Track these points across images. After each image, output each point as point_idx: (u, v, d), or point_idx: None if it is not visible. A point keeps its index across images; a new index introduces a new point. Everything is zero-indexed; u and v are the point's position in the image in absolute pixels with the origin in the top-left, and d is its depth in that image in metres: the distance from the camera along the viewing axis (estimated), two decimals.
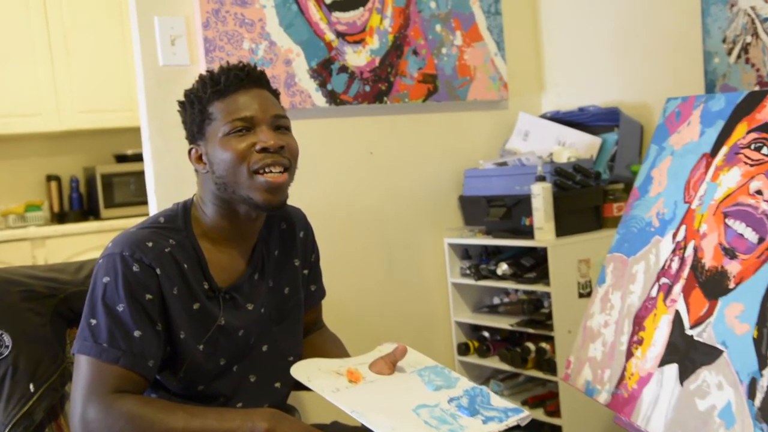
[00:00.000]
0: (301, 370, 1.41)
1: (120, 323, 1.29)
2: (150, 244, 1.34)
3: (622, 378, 1.70)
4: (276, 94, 1.45)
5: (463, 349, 2.70)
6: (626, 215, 1.91)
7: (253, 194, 1.36)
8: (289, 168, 1.39)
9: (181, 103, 1.45)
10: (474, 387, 1.40)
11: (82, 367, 1.28)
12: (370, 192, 2.60)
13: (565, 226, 2.45)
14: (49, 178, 4.39)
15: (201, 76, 1.43)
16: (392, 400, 1.32)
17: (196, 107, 1.41)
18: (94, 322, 1.29)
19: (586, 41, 2.82)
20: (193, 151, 1.43)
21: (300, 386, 1.43)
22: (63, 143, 4.48)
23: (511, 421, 1.31)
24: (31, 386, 1.44)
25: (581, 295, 2.41)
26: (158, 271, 1.33)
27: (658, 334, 1.65)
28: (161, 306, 1.33)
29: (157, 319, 1.32)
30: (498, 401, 1.36)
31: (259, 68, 1.43)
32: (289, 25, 2.37)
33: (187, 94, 1.43)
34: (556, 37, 2.93)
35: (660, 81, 2.58)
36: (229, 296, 1.41)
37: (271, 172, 1.35)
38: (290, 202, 1.52)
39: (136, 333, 1.29)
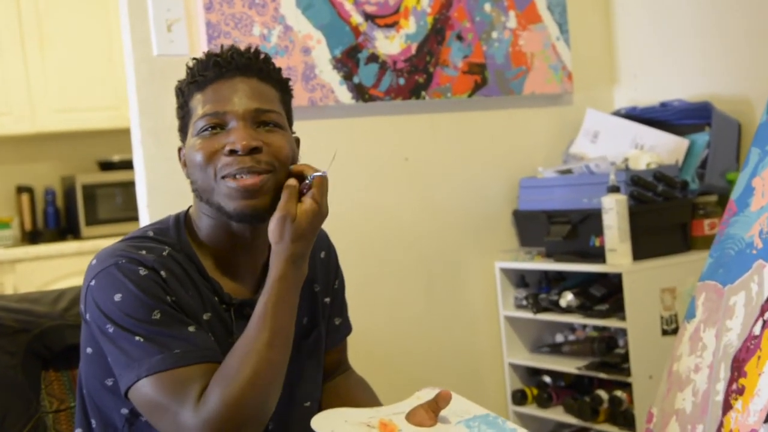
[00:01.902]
0: (324, 423, 1.41)
1: (171, 326, 1.32)
2: (143, 251, 1.37)
3: None
4: (278, 83, 1.45)
5: (519, 398, 2.68)
6: (721, 234, 1.89)
7: (223, 201, 1.37)
8: (271, 171, 1.38)
9: (175, 94, 1.48)
10: None
11: (158, 388, 1.29)
12: (406, 206, 2.60)
13: (644, 247, 2.43)
14: (20, 189, 4.46)
15: (187, 64, 1.45)
16: None
17: (180, 100, 1.45)
18: (141, 339, 1.31)
19: (670, 21, 2.80)
20: (182, 153, 1.45)
21: None
22: (36, 148, 4.55)
23: None
24: None
25: (665, 333, 2.38)
26: (163, 273, 1.36)
27: (764, 382, 1.63)
28: (181, 310, 1.36)
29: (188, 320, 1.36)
30: None
31: (261, 54, 1.44)
32: (308, 6, 2.39)
33: (177, 84, 1.47)
34: (633, 16, 2.91)
35: (763, 70, 2.55)
36: (240, 313, 1.43)
37: (241, 177, 1.36)
38: None
39: (191, 328, 1.34)
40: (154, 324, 1.31)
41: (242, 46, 1.45)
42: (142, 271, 1.33)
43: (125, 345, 1.31)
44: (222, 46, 1.44)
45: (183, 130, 1.44)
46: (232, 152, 1.35)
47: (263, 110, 1.39)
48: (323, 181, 1.37)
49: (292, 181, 1.36)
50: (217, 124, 1.38)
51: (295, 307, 1.35)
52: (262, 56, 1.43)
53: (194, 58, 1.44)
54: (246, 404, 1.27)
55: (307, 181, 1.37)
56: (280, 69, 1.46)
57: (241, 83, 1.40)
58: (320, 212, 1.35)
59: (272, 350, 1.31)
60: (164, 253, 1.39)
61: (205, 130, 1.38)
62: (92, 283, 1.35)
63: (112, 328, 1.32)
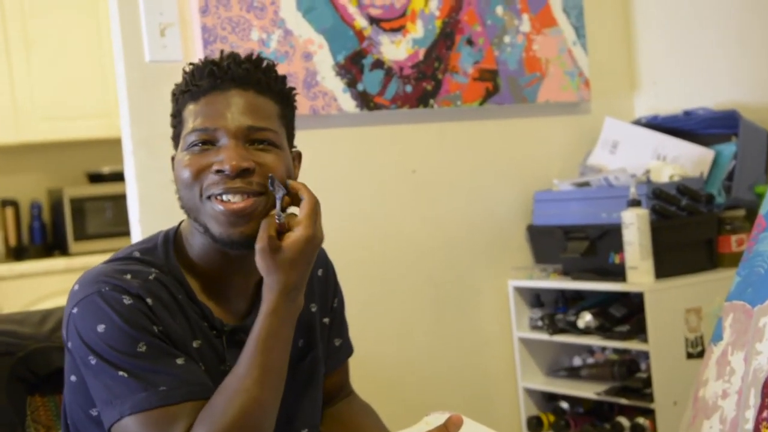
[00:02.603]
0: None
1: (156, 360, 1.31)
2: (128, 276, 1.36)
3: None
4: (279, 96, 1.44)
5: (535, 425, 2.67)
6: (749, 251, 1.89)
7: (209, 223, 1.37)
8: (263, 193, 1.38)
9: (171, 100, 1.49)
10: None
11: (142, 427, 1.29)
12: (412, 221, 2.61)
13: (667, 265, 2.43)
14: (4, 203, 4.46)
15: (184, 69, 1.45)
16: None
17: (174, 108, 1.45)
18: (124, 374, 1.31)
19: (694, 23, 2.80)
20: (174, 161, 1.46)
21: None
22: (21, 159, 4.56)
23: None
24: None
25: (690, 356, 2.38)
26: (149, 301, 1.35)
27: None
28: (168, 338, 1.35)
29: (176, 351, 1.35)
30: None
31: (264, 62, 1.43)
32: (310, 8, 2.41)
33: (173, 90, 1.47)
34: (653, 19, 2.92)
35: None
36: (232, 339, 1.43)
37: (228, 201, 1.36)
38: None
39: (179, 360, 1.33)
40: (139, 358, 1.30)
41: (242, 52, 1.45)
42: (127, 300, 1.32)
43: (108, 380, 1.31)
44: (221, 53, 1.43)
45: (175, 139, 1.44)
46: (219, 172, 1.35)
47: (257, 128, 1.38)
48: (316, 205, 1.35)
49: (272, 212, 1.35)
50: (207, 140, 1.37)
51: (289, 342, 1.34)
52: (264, 65, 1.42)
53: (191, 64, 1.43)
54: None
55: (275, 211, 1.34)
56: (284, 78, 1.45)
57: (236, 96, 1.39)
58: (314, 239, 1.33)
59: (262, 389, 1.30)
60: (150, 277, 1.38)
61: (195, 145, 1.37)
62: (74, 311, 1.34)
63: (95, 360, 1.31)
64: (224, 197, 1.34)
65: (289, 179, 1.40)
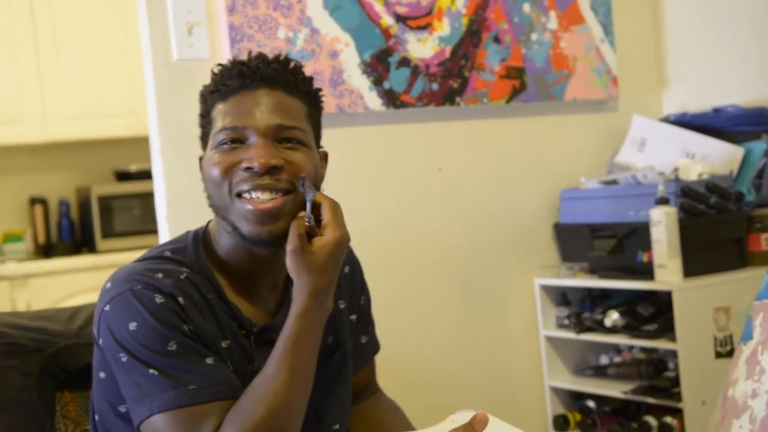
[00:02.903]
0: None
1: (187, 359, 1.33)
2: (160, 275, 1.38)
3: None
4: (306, 96, 1.45)
5: (561, 423, 2.66)
6: None
7: (238, 222, 1.38)
8: (292, 191, 1.39)
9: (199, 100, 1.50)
10: None
11: (171, 425, 1.30)
12: (438, 219, 2.60)
13: (695, 263, 2.42)
14: (33, 201, 4.50)
15: (212, 69, 1.47)
16: None
17: (203, 108, 1.46)
18: (155, 372, 1.32)
19: (723, 19, 2.78)
20: (202, 162, 1.47)
21: None
22: (50, 157, 4.60)
23: None
24: None
25: (719, 355, 2.37)
26: (181, 300, 1.36)
27: None
28: (198, 338, 1.36)
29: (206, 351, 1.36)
30: None
31: (291, 62, 1.44)
32: (336, 7, 2.41)
33: (201, 90, 1.48)
34: (682, 15, 2.90)
35: None
36: (261, 339, 1.43)
37: (257, 198, 1.36)
38: None
39: (209, 360, 1.34)
40: (170, 356, 1.32)
41: (269, 52, 1.45)
42: (159, 299, 1.34)
43: (138, 377, 1.32)
44: (249, 53, 1.45)
45: (204, 139, 1.46)
46: (248, 169, 1.36)
47: (286, 126, 1.39)
48: (336, 207, 1.36)
49: (301, 213, 1.36)
50: (237, 139, 1.38)
51: (317, 344, 1.35)
52: (291, 65, 1.44)
53: (219, 65, 1.45)
54: None
55: (305, 213, 1.35)
56: (311, 79, 1.46)
57: (265, 96, 1.40)
58: (342, 240, 1.34)
59: (291, 390, 1.31)
60: (182, 277, 1.39)
61: (224, 143, 1.39)
62: (107, 308, 1.36)
63: (126, 358, 1.33)
64: (253, 195, 1.36)
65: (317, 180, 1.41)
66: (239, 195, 1.37)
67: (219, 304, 1.42)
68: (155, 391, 1.31)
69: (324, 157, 1.49)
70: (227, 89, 1.41)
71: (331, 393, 1.53)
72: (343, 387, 1.55)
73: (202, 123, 1.46)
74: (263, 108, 1.39)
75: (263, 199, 1.35)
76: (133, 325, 1.33)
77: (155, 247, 1.49)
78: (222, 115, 1.40)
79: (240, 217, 1.37)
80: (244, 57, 1.46)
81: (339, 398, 1.54)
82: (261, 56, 1.43)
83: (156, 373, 1.31)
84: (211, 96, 1.43)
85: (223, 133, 1.39)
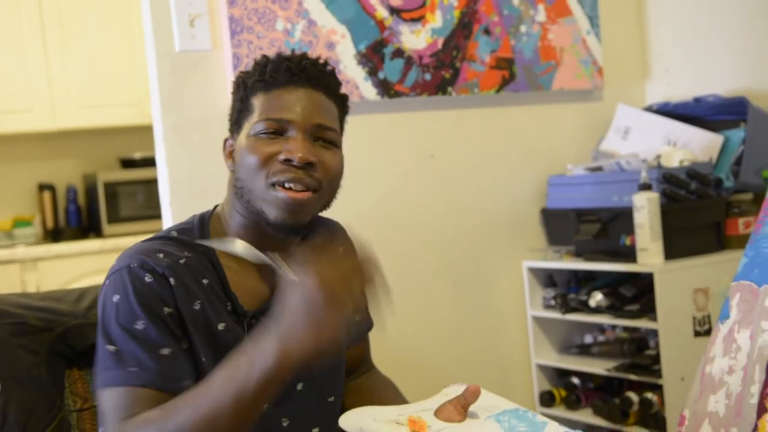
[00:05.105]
0: (352, 421, 1.42)
1: (143, 342, 1.33)
2: (161, 255, 1.39)
3: None
4: (340, 100, 1.49)
5: (547, 399, 2.68)
6: (756, 233, 1.88)
7: (266, 208, 1.39)
8: (319, 190, 1.41)
9: (233, 84, 1.50)
10: None
11: (111, 400, 1.32)
12: (431, 204, 2.61)
13: (676, 246, 2.43)
14: (42, 187, 4.51)
15: (256, 60, 1.49)
16: None
17: (240, 94, 1.47)
18: (113, 348, 1.33)
19: (704, 13, 2.78)
20: (229, 143, 1.48)
21: None
22: (58, 145, 4.60)
23: None
24: None
25: (698, 334, 2.38)
26: (172, 281, 1.37)
27: None
28: (180, 322, 1.37)
29: (181, 336, 1.37)
30: None
31: (329, 66, 1.47)
32: (333, 0, 2.41)
33: (238, 75, 1.50)
34: (665, 9, 2.90)
35: None
36: (255, 321, 1.44)
37: (291, 189, 1.38)
38: (330, 215, 1.54)
39: (164, 351, 1.34)
40: (132, 336, 1.33)
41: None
42: (148, 278, 1.35)
43: (102, 350, 1.35)
44: (293, 51, 1.48)
45: (237, 123, 1.47)
46: (287, 161, 1.38)
47: (324, 126, 1.43)
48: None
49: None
50: (277, 130, 1.40)
51: (279, 390, 1.23)
52: (328, 69, 1.47)
53: (264, 56, 1.47)
54: None
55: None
56: (341, 84, 1.49)
57: (308, 94, 1.43)
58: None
59: (222, 422, 1.22)
60: (181, 262, 1.40)
61: (264, 133, 1.40)
62: (106, 282, 1.38)
63: (102, 328, 1.36)
64: (287, 185, 1.38)
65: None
66: (273, 185, 1.38)
67: (217, 287, 1.42)
68: (106, 366, 1.33)
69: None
70: (273, 81, 1.42)
71: (327, 366, 1.53)
72: (338, 361, 1.56)
73: (239, 107, 1.46)
74: (306, 105, 1.42)
75: (297, 189, 1.38)
76: (115, 298, 1.35)
77: (164, 229, 1.51)
78: (265, 105, 1.42)
79: (270, 204, 1.39)
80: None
81: (334, 371, 1.55)
82: (305, 56, 1.46)
83: (112, 350, 1.33)
84: (253, 84, 1.44)
85: (264, 123, 1.41)
